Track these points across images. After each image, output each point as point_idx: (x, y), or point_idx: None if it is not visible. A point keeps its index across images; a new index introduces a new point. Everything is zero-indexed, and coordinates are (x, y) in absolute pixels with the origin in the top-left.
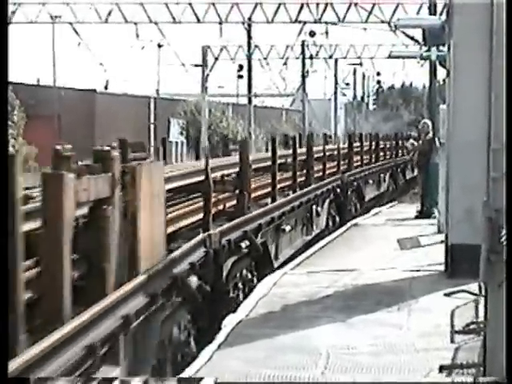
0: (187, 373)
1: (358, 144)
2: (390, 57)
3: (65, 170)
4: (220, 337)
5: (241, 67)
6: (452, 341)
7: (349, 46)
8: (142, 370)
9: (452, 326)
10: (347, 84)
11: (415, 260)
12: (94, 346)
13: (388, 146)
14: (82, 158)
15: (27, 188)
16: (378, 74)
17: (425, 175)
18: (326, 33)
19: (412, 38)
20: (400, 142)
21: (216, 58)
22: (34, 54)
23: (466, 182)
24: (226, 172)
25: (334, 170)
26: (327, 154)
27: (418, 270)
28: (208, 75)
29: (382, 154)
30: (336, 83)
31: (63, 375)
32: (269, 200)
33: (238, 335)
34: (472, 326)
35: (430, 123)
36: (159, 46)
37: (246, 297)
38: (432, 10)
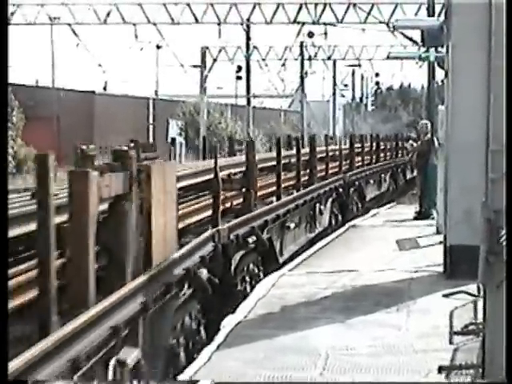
0: (186, 374)
1: (358, 145)
2: (388, 58)
3: (89, 167)
4: (219, 338)
5: (239, 68)
6: (451, 342)
7: (347, 47)
8: (157, 352)
9: (451, 327)
10: (346, 85)
11: (414, 261)
12: (116, 328)
13: (388, 146)
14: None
15: (26, 189)
16: (377, 75)
17: (423, 176)
18: (325, 34)
19: (410, 39)
20: (400, 143)
21: (215, 59)
22: (32, 55)
23: (465, 183)
24: (232, 171)
25: (336, 170)
26: (329, 154)
27: (416, 271)
28: (207, 76)
29: (382, 154)
30: (334, 84)
31: (89, 356)
32: (274, 198)
33: (236, 336)
34: (471, 327)
35: (429, 124)
36: (158, 46)
37: (252, 289)
38: (430, 11)
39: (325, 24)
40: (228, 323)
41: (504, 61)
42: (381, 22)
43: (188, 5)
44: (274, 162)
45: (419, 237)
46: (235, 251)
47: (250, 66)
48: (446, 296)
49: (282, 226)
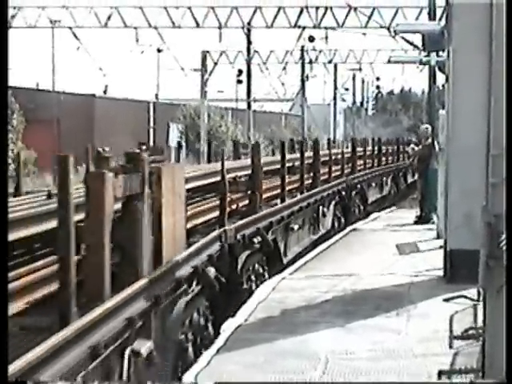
0: (186, 377)
1: (361, 149)
2: (389, 62)
3: (105, 168)
4: (219, 341)
5: (240, 72)
6: (451, 346)
7: (348, 51)
8: (168, 345)
9: (451, 331)
10: (346, 89)
11: (414, 265)
12: (131, 319)
13: (390, 150)
14: (81, 161)
15: (27, 192)
16: (378, 79)
17: (424, 180)
18: (326, 38)
19: (411, 43)
20: (401, 147)
21: (215, 63)
22: (33, 59)
23: (465, 188)
24: (238, 174)
25: (339, 173)
26: (332, 157)
27: (416, 276)
28: (207, 80)
29: (384, 158)
30: (335, 88)
31: (106, 344)
32: (278, 201)
33: (236, 340)
34: (471, 332)
35: (429, 128)
36: (159, 50)
37: (258, 288)
38: (431, 16)
39: (326, 28)
40: (228, 327)
41: (504, 65)
42: (382, 27)
43: (189, 8)
44: (278, 166)
45: (419, 241)
46: (241, 251)
47: (250, 69)
48: (446, 300)
49: (286, 227)
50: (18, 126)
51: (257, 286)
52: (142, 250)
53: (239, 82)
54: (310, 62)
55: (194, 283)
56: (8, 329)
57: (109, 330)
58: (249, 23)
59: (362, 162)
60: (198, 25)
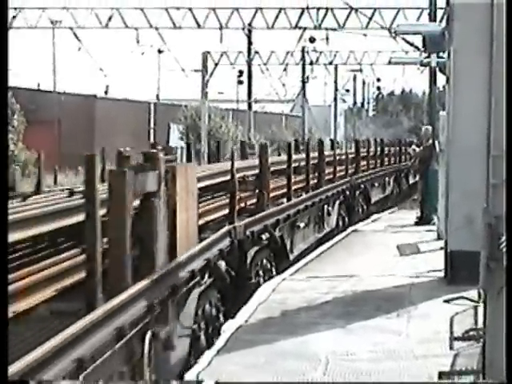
0: (187, 377)
1: (364, 149)
2: (390, 63)
3: (126, 167)
4: (219, 342)
5: (241, 73)
6: (451, 347)
7: (349, 52)
8: (182, 332)
9: (451, 332)
10: (347, 90)
11: (414, 266)
12: (150, 306)
13: (392, 151)
14: (82, 162)
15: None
16: (378, 80)
17: (424, 181)
18: (327, 39)
19: (412, 45)
20: (403, 148)
21: (216, 64)
22: (34, 59)
23: (466, 189)
24: (246, 173)
25: (343, 173)
26: (336, 158)
27: (417, 277)
28: (208, 81)
29: (386, 159)
30: (336, 89)
31: (129, 327)
32: (284, 200)
33: (237, 341)
34: (471, 333)
35: (431, 130)
36: (159, 51)
37: (265, 283)
38: (432, 17)
39: (326, 29)
40: (228, 328)
41: (504, 66)
42: (382, 28)
43: (190, 9)
44: (285, 166)
45: (420, 242)
46: (250, 247)
47: (251, 70)
48: (446, 301)
49: (292, 225)
50: (19, 126)
51: (264, 281)
52: (158, 244)
53: (240, 82)
54: (311, 63)
55: (207, 275)
56: (8, 329)
57: (132, 314)
58: (250, 24)
59: (365, 162)
60: (198, 26)
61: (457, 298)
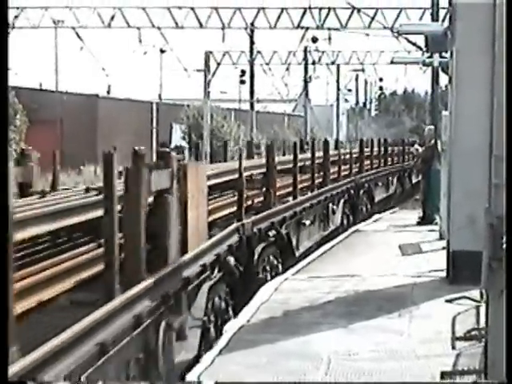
0: (189, 377)
1: (368, 149)
2: (392, 63)
3: (141, 165)
4: (221, 342)
5: (243, 72)
6: (453, 347)
7: (351, 52)
8: (194, 323)
9: (453, 332)
10: (349, 90)
11: (417, 266)
12: (165, 296)
13: (395, 151)
14: (84, 161)
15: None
16: (381, 79)
17: (427, 181)
18: (329, 39)
19: (414, 44)
20: (406, 148)
21: (218, 64)
22: (36, 59)
23: (468, 189)
24: (254, 172)
25: (347, 172)
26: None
27: (419, 276)
28: (210, 80)
29: (390, 159)
30: (338, 89)
31: (145, 316)
32: (290, 198)
33: (239, 340)
34: (473, 333)
35: (433, 129)
36: (162, 51)
37: (272, 278)
38: (435, 16)
39: (329, 29)
40: (230, 328)
41: (504, 65)
42: (385, 27)
43: (192, 9)
44: (290, 165)
45: (422, 242)
46: (257, 243)
47: (253, 70)
48: (448, 301)
49: (298, 223)
50: (21, 126)
51: (271, 277)
52: (171, 239)
53: (242, 82)
54: (313, 62)
55: (216, 270)
56: (8, 329)
57: (147, 304)
58: (252, 24)
59: (369, 162)
60: (201, 25)
61: (459, 298)
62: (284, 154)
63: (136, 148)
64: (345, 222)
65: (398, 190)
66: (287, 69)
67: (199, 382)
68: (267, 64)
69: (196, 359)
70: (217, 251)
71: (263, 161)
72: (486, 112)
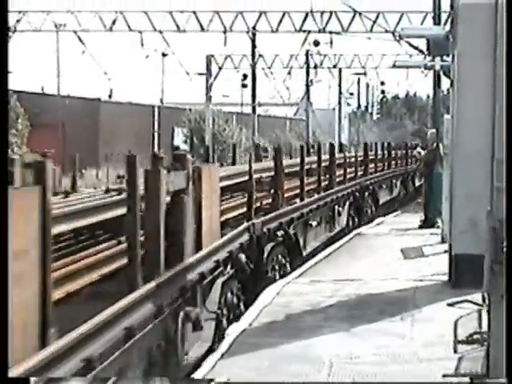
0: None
1: (372, 152)
2: (394, 66)
3: (160, 167)
4: (223, 346)
5: (245, 76)
6: (455, 351)
7: (353, 56)
8: (208, 315)
9: (455, 335)
10: (351, 93)
11: (418, 270)
12: (183, 288)
13: (399, 155)
14: (86, 165)
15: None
16: (382, 83)
17: (428, 185)
18: (331, 42)
19: (416, 48)
20: (409, 152)
21: (220, 67)
22: (38, 63)
23: (470, 192)
24: (263, 175)
25: (353, 175)
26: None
27: (421, 280)
28: (212, 84)
29: (393, 162)
30: (340, 93)
31: (167, 305)
32: (297, 200)
33: (241, 344)
34: (475, 336)
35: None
36: (163, 54)
37: (281, 277)
38: (436, 20)
39: (330, 32)
40: (232, 331)
41: (504, 69)
42: (387, 31)
43: (194, 13)
44: (297, 168)
45: (424, 245)
46: (267, 242)
47: (255, 74)
48: (450, 305)
49: (305, 224)
50: (23, 130)
51: (280, 276)
52: (186, 236)
53: (244, 86)
54: (315, 66)
55: (229, 266)
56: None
57: (167, 296)
58: (254, 27)
59: (373, 165)
60: (202, 29)
61: (461, 302)
62: (291, 158)
63: (156, 151)
64: (350, 223)
65: (402, 193)
66: (289, 72)
67: (211, 380)
68: (269, 68)
69: (210, 349)
70: (229, 248)
71: (271, 164)
72: (487, 115)
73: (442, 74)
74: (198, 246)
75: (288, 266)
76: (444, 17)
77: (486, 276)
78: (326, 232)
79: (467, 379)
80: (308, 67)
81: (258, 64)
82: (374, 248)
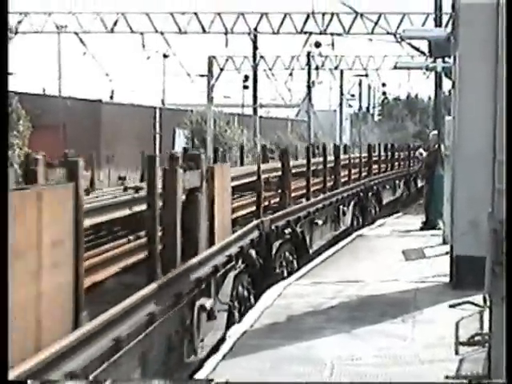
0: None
1: (375, 154)
2: (395, 68)
3: (177, 166)
4: (225, 347)
5: (246, 78)
6: (457, 352)
7: (354, 57)
8: (221, 306)
9: (457, 337)
10: (353, 95)
11: (420, 271)
12: (199, 280)
13: (402, 156)
14: (87, 168)
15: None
16: (384, 85)
17: (430, 186)
18: (332, 44)
19: (418, 50)
20: (412, 153)
21: (221, 69)
22: (39, 64)
23: (471, 194)
24: (271, 175)
25: (357, 176)
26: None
27: (422, 282)
28: (213, 85)
29: (396, 163)
30: (341, 94)
31: (184, 295)
32: (304, 200)
33: (242, 345)
34: (477, 338)
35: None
36: (165, 56)
37: (288, 273)
38: (438, 22)
39: (332, 34)
40: (234, 333)
41: (504, 71)
42: (388, 33)
43: (195, 14)
44: (304, 169)
45: (425, 247)
46: (275, 239)
47: (256, 75)
48: (452, 306)
49: (311, 222)
50: (25, 131)
51: (288, 272)
52: (200, 232)
53: (245, 87)
54: (317, 67)
55: (240, 261)
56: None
57: (183, 286)
58: (255, 29)
59: (377, 166)
60: (204, 30)
61: (462, 303)
62: (296, 159)
63: (173, 152)
64: (355, 222)
65: (405, 194)
66: (290, 74)
67: (210, 380)
68: (270, 69)
69: (223, 337)
70: (240, 244)
71: (279, 164)
72: (489, 117)
73: (443, 75)
74: (211, 241)
75: (295, 262)
76: (445, 18)
77: (487, 277)
78: (331, 230)
79: (468, 381)
80: (309, 69)
81: (259, 65)
82: (376, 249)
